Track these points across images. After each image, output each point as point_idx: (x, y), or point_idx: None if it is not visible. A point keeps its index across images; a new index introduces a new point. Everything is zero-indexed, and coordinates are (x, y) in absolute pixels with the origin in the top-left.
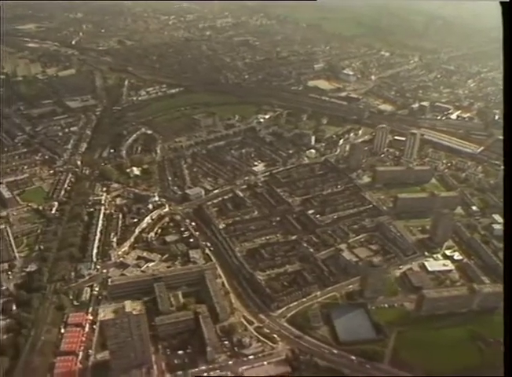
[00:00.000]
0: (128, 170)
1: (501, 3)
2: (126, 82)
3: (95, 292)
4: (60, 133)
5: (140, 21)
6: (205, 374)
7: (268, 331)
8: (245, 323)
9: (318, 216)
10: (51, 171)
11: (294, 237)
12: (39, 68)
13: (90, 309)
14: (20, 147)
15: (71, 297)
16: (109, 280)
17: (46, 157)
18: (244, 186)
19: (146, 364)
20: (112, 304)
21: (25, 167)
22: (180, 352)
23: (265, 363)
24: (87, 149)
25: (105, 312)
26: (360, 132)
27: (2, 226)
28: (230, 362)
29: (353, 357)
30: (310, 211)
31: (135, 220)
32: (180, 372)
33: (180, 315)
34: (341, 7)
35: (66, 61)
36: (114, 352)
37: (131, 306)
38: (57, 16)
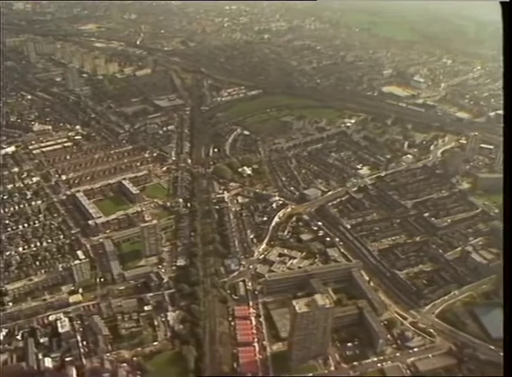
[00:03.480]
0: (240, 170)
1: (501, 3)
2: (205, 83)
3: (249, 287)
4: (160, 132)
5: (195, 23)
6: (378, 364)
7: (423, 325)
8: (399, 318)
9: (433, 219)
10: (163, 168)
11: (418, 238)
12: (116, 67)
13: (251, 303)
14: (125, 144)
15: (228, 291)
16: (266, 275)
17: (154, 155)
18: (355, 188)
19: (322, 355)
20: (271, 298)
21: (138, 164)
22: (349, 344)
23: (430, 355)
24: (191, 148)
25: (299, 305)
26: (447, 139)
27: (155, 221)
28: (398, 354)
29: None
30: (426, 214)
31: (264, 218)
32: (356, 363)
33: (345, 309)
34: (388, 11)
35: (138, 61)
36: (296, 343)
37: (321, 300)
38: (113, 17)
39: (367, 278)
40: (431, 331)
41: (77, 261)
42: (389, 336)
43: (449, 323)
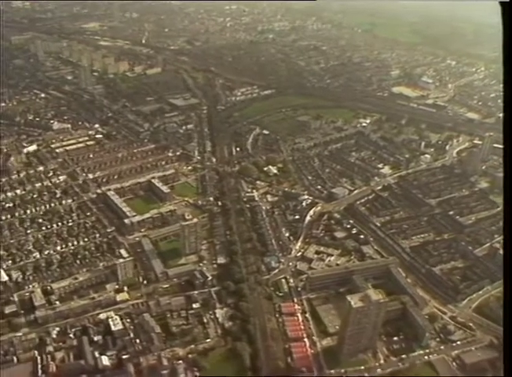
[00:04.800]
0: (265, 169)
1: (501, 3)
2: (217, 82)
3: (292, 284)
4: (180, 131)
5: (197, 22)
6: (426, 357)
7: (462, 319)
8: (439, 312)
9: (458, 217)
10: (189, 167)
11: (446, 236)
12: (126, 66)
13: (295, 299)
14: (147, 143)
15: (271, 288)
16: (309, 272)
17: (178, 153)
18: (379, 187)
19: (371, 348)
20: (314, 294)
21: (163, 163)
22: (395, 338)
23: (473, 348)
24: (213, 147)
25: (354, 300)
26: (461, 139)
27: (195, 220)
28: (442, 347)
29: None
30: (450, 212)
31: (296, 216)
32: (404, 356)
33: (390, 304)
34: (386, 12)
35: (147, 60)
36: (348, 337)
37: (375, 294)
38: (114, 15)
39: (403, 274)
40: (470, 324)
41: (121, 260)
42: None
43: (486, 317)
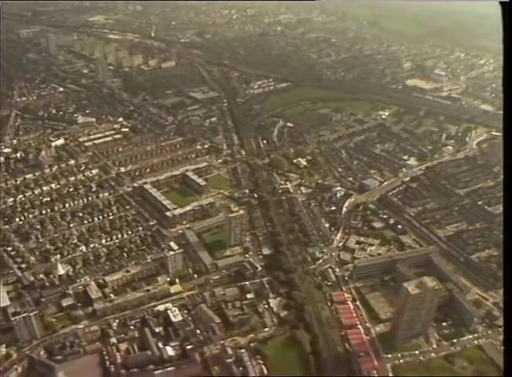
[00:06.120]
0: (295, 161)
1: (501, 3)
2: (232, 76)
3: (338, 273)
4: (205, 124)
5: (202, 15)
6: (475, 342)
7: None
8: (481, 298)
9: (486, 207)
10: (219, 160)
11: (478, 225)
12: (141, 60)
13: (343, 288)
14: (174, 136)
15: (319, 277)
16: (355, 261)
17: (206, 146)
18: (408, 178)
19: (423, 334)
20: (361, 283)
21: (193, 156)
22: (444, 323)
23: None
24: (240, 140)
25: (411, 287)
26: (478, 130)
27: (241, 212)
28: (489, 332)
29: None
30: (479, 202)
31: (333, 208)
32: (455, 340)
33: None
34: (388, 5)
35: (159, 53)
36: (403, 323)
37: (430, 282)
38: (118, 8)
39: (444, 262)
40: None
41: (171, 252)
42: None
43: None
